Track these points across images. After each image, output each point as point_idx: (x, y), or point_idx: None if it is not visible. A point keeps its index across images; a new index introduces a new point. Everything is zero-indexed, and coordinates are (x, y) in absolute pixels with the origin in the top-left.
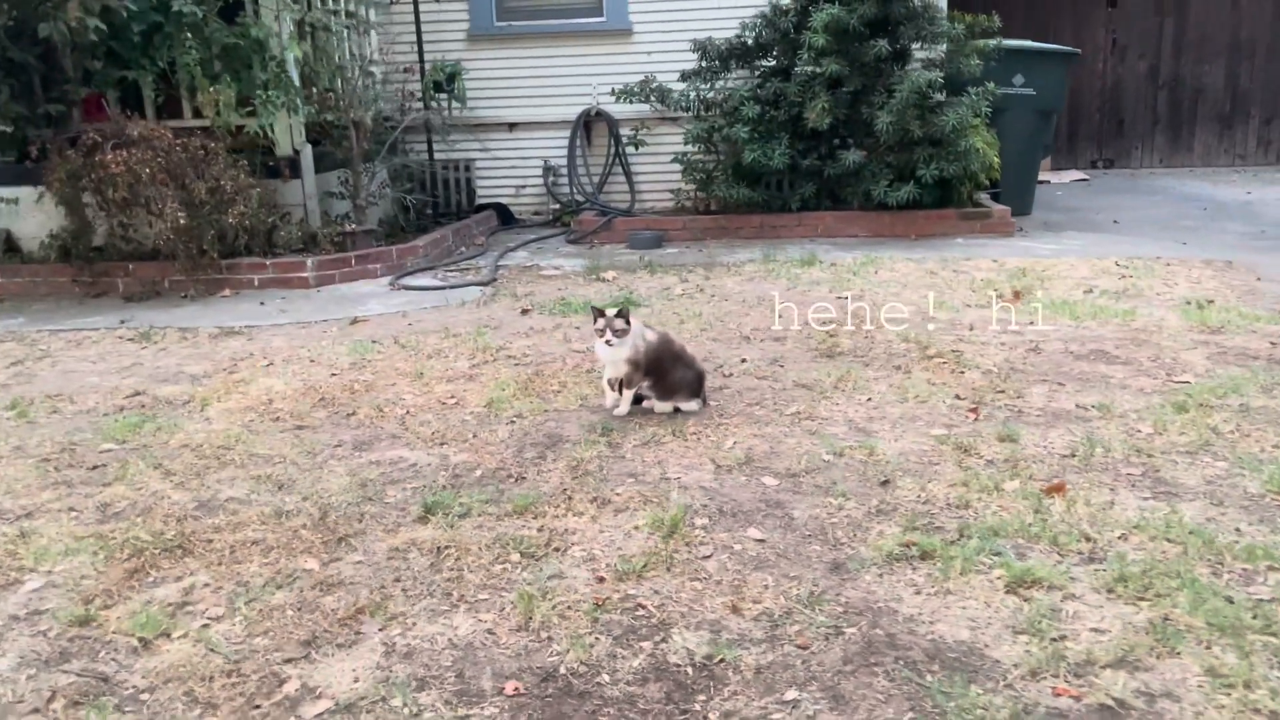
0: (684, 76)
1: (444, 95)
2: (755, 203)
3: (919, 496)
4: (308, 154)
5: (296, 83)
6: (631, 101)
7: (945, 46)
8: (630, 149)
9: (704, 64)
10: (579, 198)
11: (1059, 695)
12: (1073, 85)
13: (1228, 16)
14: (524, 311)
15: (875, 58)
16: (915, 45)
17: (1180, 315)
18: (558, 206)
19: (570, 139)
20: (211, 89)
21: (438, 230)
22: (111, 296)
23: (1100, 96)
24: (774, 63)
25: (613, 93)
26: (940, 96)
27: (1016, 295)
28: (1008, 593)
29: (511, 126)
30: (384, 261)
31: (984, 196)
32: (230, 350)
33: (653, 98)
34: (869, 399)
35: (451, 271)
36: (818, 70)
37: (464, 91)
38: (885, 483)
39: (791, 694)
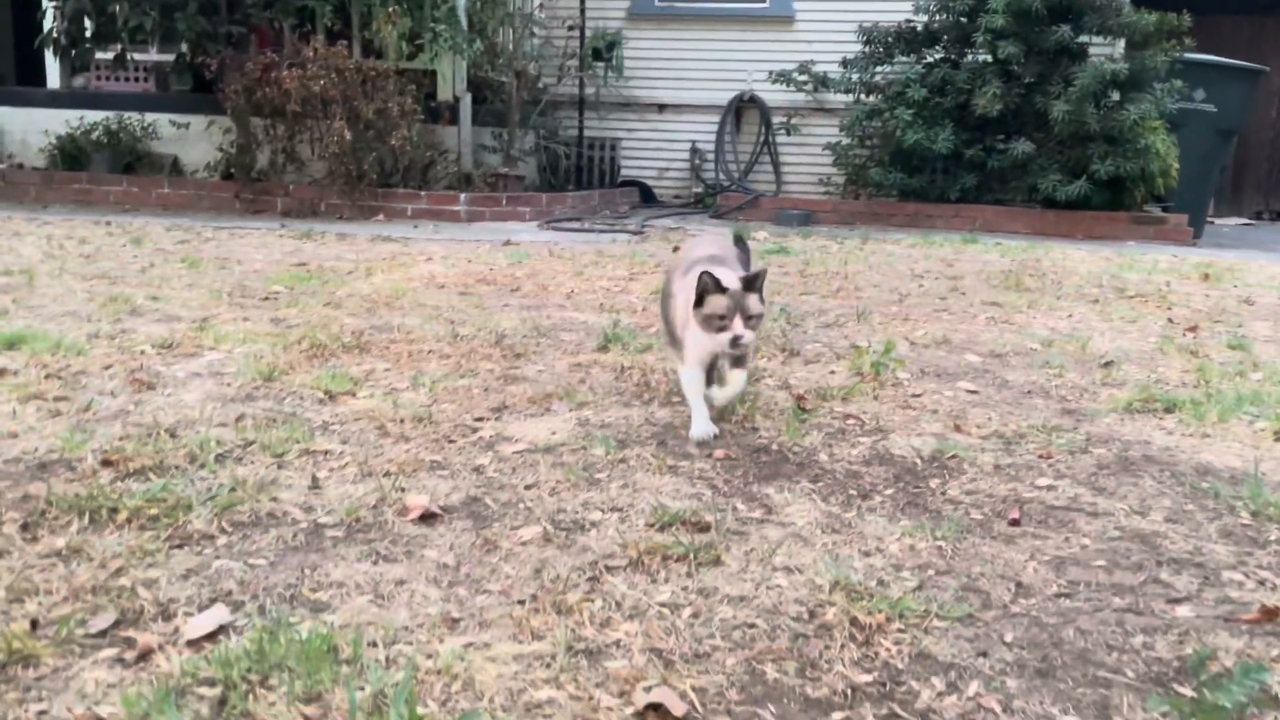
0: (845, 63)
1: (601, 64)
2: (910, 189)
3: (1149, 377)
4: (467, 101)
5: (464, 25)
6: (789, 85)
7: (1124, 44)
8: (781, 135)
9: (868, 49)
10: (724, 181)
11: None
12: (1242, 133)
13: None
14: (675, 249)
15: (1055, 44)
16: (1096, 38)
17: None
18: (700, 190)
19: (720, 123)
20: (386, 16)
21: (586, 191)
22: (269, 214)
23: (1271, 146)
24: (942, 52)
25: (769, 77)
26: (1117, 96)
27: (1206, 278)
28: (1276, 441)
29: (661, 108)
30: (534, 206)
31: (1155, 208)
32: (389, 249)
33: (810, 83)
34: (1069, 315)
35: (598, 224)
36: (990, 59)
37: (621, 62)
38: (1108, 364)
39: (1044, 481)
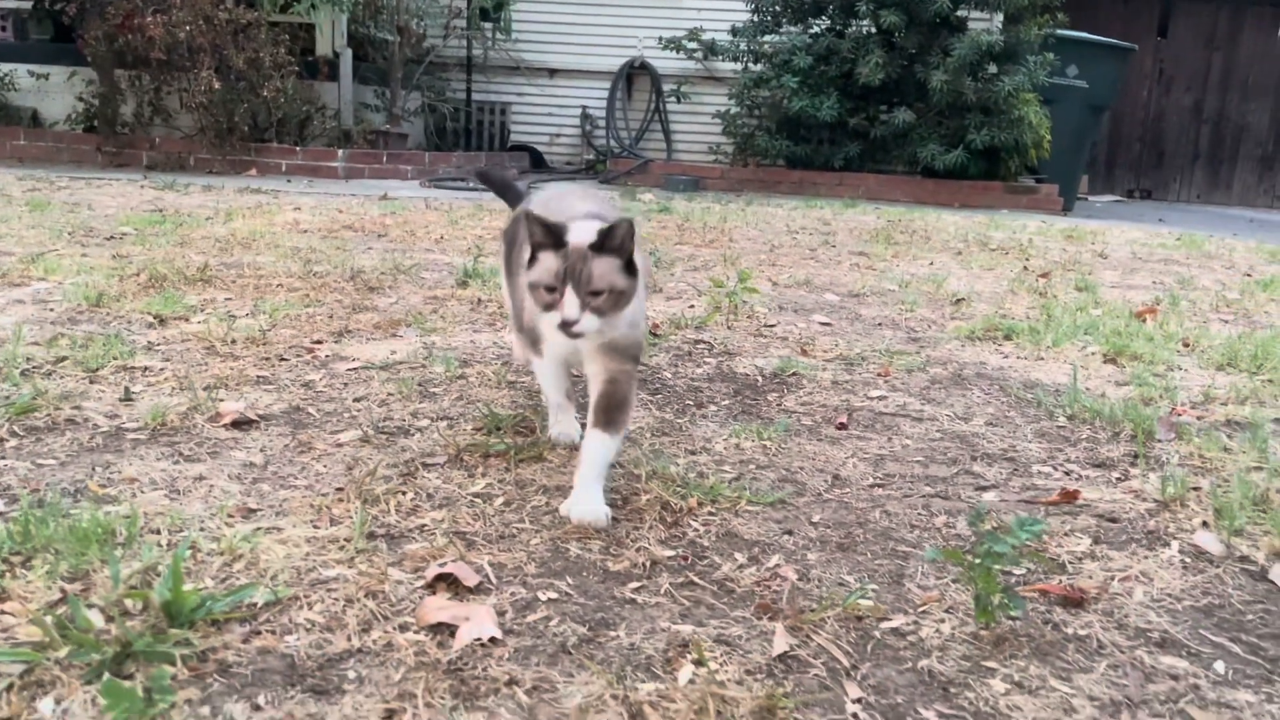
0: (734, 31)
1: (489, 25)
2: (796, 157)
3: (995, 312)
4: (347, 57)
5: None
6: (679, 52)
7: (1002, 18)
8: (672, 102)
9: (756, 17)
10: (615, 148)
11: (1178, 414)
12: (1114, 113)
13: (1278, 56)
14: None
15: (935, 15)
16: (975, 11)
17: (1243, 248)
18: (591, 156)
19: (611, 89)
20: None
21: (473, 153)
22: (134, 168)
23: (1143, 126)
24: (828, 21)
25: (659, 41)
26: (994, 69)
27: (1068, 238)
28: (1106, 362)
29: (552, 73)
30: (416, 164)
31: (1028, 179)
32: (256, 200)
33: (700, 50)
34: (931, 263)
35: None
36: (873, 29)
37: (509, 23)
38: (959, 301)
39: (877, 393)
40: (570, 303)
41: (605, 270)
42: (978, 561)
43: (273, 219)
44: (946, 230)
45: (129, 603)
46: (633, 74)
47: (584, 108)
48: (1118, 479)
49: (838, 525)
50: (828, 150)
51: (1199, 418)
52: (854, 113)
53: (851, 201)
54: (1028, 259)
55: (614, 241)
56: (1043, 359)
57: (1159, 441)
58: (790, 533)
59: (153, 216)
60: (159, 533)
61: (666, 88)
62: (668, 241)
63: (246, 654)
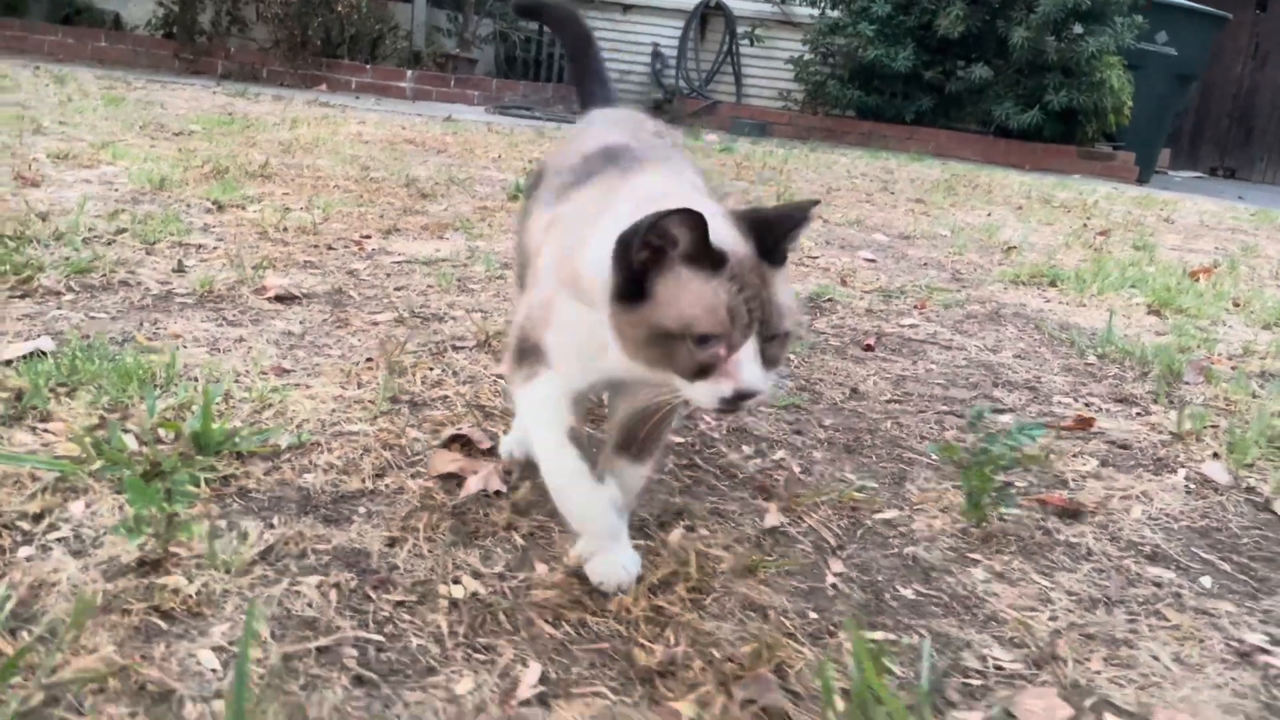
0: None
1: None
2: (866, 108)
3: (1046, 260)
4: None
5: None
6: None
7: None
8: (745, 45)
9: None
10: (684, 88)
11: (1212, 362)
12: (1202, 86)
13: None
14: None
15: None
16: None
17: None
18: (660, 96)
19: (684, 28)
20: None
21: (540, 83)
22: (209, 75)
23: (1232, 101)
24: None
25: None
26: (1079, 28)
27: (1137, 203)
28: (1149, 313)
29: (625, 8)
30: (483, 90)
31: (1105, 146)
32: (323, 112)
33: None
34: (989, 214)
35: (548, 115)
36: None
37: None
38: (1009, 249)
39: (909, 321)
40: (751, 361)
41: (788, 294)
42: (972, 459)
43: (336, 129)
44: (1010, 187)
45: (162, 431)
46: (707, 14)
47: (655, 45)
48: (1137, 414)
49: (847, 430)
50: (899, 103)
51: (1233, 367)
52: (929, 65)
53: (919, 155)
54: (1089, 218)
55: (792, 241)
56: (1084, 305)
57: (1186, 384)
58: (800, 433)
59: (221, 118)
60: (196, 380)
61: (740, 29)
62: (723, 177)
63: (266, 484)
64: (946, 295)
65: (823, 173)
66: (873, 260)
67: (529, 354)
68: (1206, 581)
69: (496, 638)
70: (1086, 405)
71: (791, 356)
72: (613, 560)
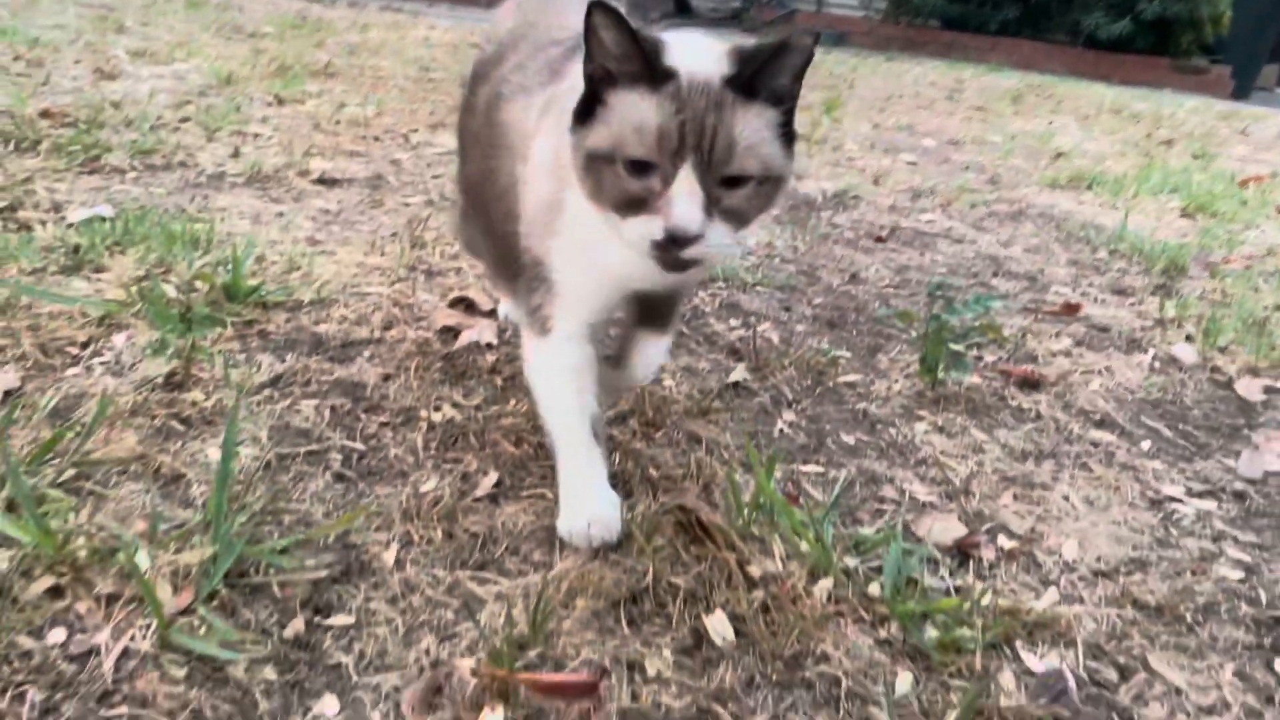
0: None
1: None
2: (950, 17)
3: (1093, 166)
4: None
5: None
6: None
7: None
8: None
9: None
10: None
11: (1227, 262)
12: None
13: None
14: None
15: None
16: None
17: None
18: (738, 4)
19: None
20: None
21: None
22: None
23: None
24: None
25: None
26: None
27: (1220, 116)
28: (1183, 216)
29: None
30: None
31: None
32: (395, 18)
33: None
34: (1050, 122)
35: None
36: None
37: None
38: (1059, 156)
39: (928, 218)
40: (685, 195)
41: (756, 131)
42: (928, 326)
43: (405, 33)
44: (1085, 98)
45: (197, 283)
46: None
47: None
48: (1130, 304)
49: (834, 309)
50: (985, 12)
51: (1246, 266)
52: None
53: (998, 67)
54: (1157, 128)
55: (774, 74)
56: (1116, 208)
57: (1190, 278)
58: (788, 309)
59: (294, 20)
60: (236, 246)
61: None
62: None
63: (284, 330)
64: (975, 196)
65: (889, 80)
66: (913, 163)
67: (535, 281)
68: (1145, 445)
69: (464, 452)
70: (1083, 295)
71: (796, 242)
72: (590, 509)
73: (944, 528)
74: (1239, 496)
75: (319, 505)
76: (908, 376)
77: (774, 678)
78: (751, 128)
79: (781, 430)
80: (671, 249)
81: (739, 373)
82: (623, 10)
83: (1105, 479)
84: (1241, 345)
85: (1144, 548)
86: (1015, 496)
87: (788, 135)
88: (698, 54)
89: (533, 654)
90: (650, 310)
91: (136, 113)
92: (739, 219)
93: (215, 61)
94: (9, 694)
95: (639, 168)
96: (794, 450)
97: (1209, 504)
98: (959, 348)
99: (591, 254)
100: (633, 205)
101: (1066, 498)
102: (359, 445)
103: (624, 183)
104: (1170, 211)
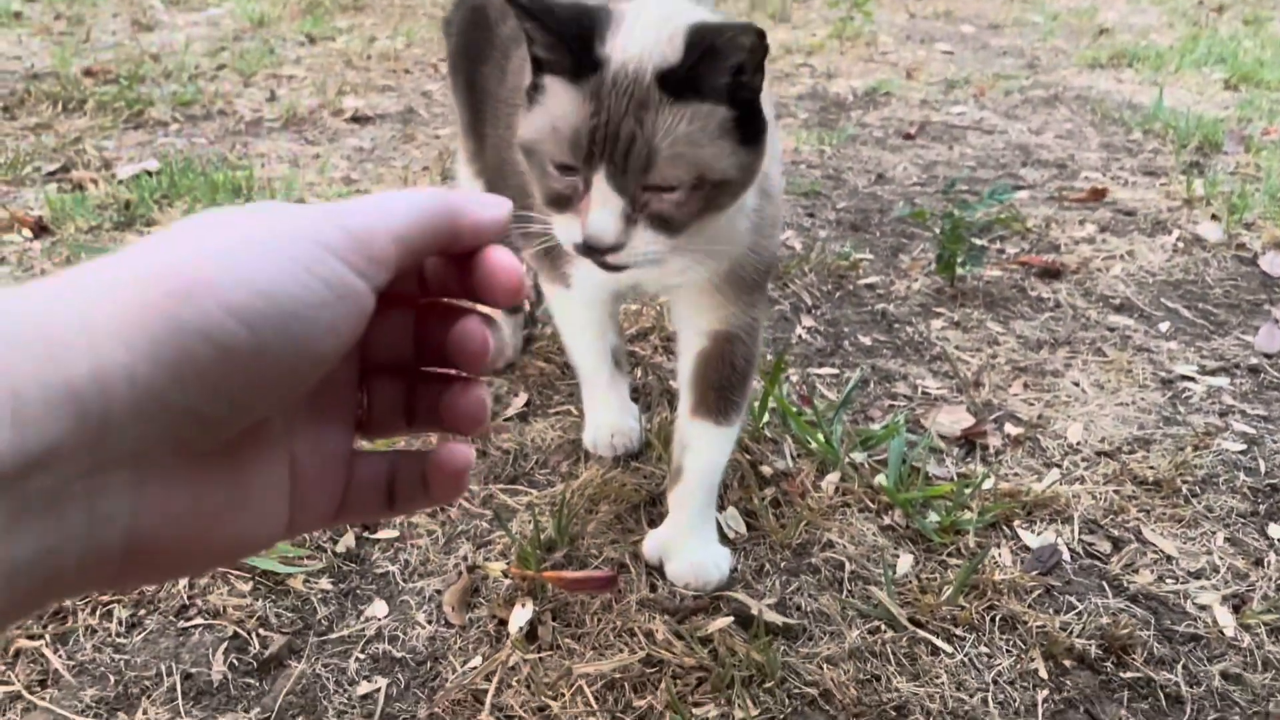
0: None
1: None
2: None
3: (1137, 41)
4: None
5: None
6: None
7: None
8: None
9: None
10: None
11: (1266, 134)
12: None
13: None
14: None
15: None
16: None
17: None
18: None
19: None
20: None
21: None
22: None
23: None
24: None
25: None
26: None
27: None
28: (1226, 89)
29: None
30: None
31: None
32: None
33: None
34: None
35: None
36: None
37: None
38: (1103, 32)
39: (960, 109)
40: (598, 204)
41: (687, 136)
42: (943, 221)
43: None
44: None
45: None
46: None
47: None
48: (1161, 184)
49: (859, 211)
50: None
51: None
52: None
53: None
54: None
55: (716, 67)
56: (1156, 84)
57: (1224, 154)
58: (812, 215)
59: None
60: (276, 192)
61: None
62: None
63: None
64: (1010, 82)
65: None
66: (949, 52)
67: (560, 255)
68: (1163, 327)
69: (497, 375)
70: (1113, 179)
71: (823, 145)
72: (611, 421)
73: (952, 419)
74: (1253, 371)
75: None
76: (928, 275)
77: (782, 565)
78: (681, 133)
79: (800, 336)
80: (593, 256)
81: None
82: None
83: (1118, 362)
84: (1268, 219)
85: (1149, 426)
86: (1026, 385)
87: (749, 130)
88: (649, 31)
89: (559, 555)
90: (708, 386)
91: (175, 63)
92: (670, 227)
93: (247, 4)
94: (98, 612)
95: (562, 167)
96: (811, 354)
97: (1221, 380)
98: (980, 242)
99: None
100: (559, 203)
101: (1077, 383)
102: None
103: (550, 180)
104: (1213, 85)
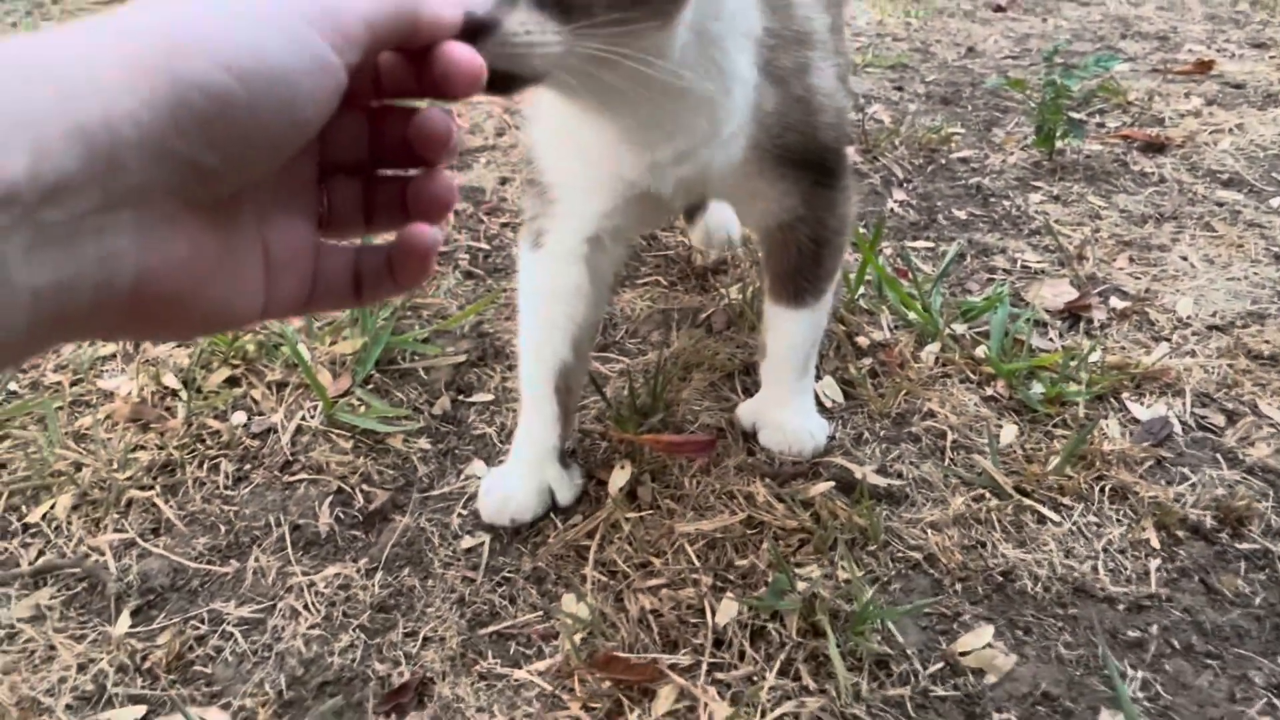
0: None
1: None
2: None
3: None
4: None
5: None
6: None
7: None
8: None
9: None
10: None
11: None
12: None
13: None
14: None
15: None
16: None
17: None
18: None
19: None
20: None
21: None
22: None
23: None
24: None
25: None
26: None
27: None
28: None
29: None
30: None
31: None
32: None
33: None
34: None
35: None
36: None
37: None
38: None
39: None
40: None
41: None
42: (1042, 91)
43: None
44: None
45: None
46: None
47: None
48: (1271, 58)
49: (949, 84)
50: None
51: None
52: None
53: None
54: None
55: None
56: None
57: None
58: (900, 89)
59: None
60: None
61: None
62: None
63: None
64: None
65: None
66: None
67: (529, 185)
68: (1275, 201)
69: None
70: (1219, 51)
71: (909, 18)
72: (512, 484)
73: (1055, 292)
74: None
75: (452, 300)
76: (1024, 148)
77: (881, 433)
78: None
79: (891, 209)
80: (475, 38)
81: (849, 155)
82: None
83: (1228, 237)
84: None
85: (1264, 301)
86: (1131, 260)
87: None
88: None
89: (655, 420)
90: (787, 269)
91: None
92: (564, 8)
93: None
94: (205, 466)
95: None
96: (904, 228)
97: None
98: (1080, 115)
99: (574, 141)
100: None
101: (1185, 258)
102: (483, 245)
103: None
104: None
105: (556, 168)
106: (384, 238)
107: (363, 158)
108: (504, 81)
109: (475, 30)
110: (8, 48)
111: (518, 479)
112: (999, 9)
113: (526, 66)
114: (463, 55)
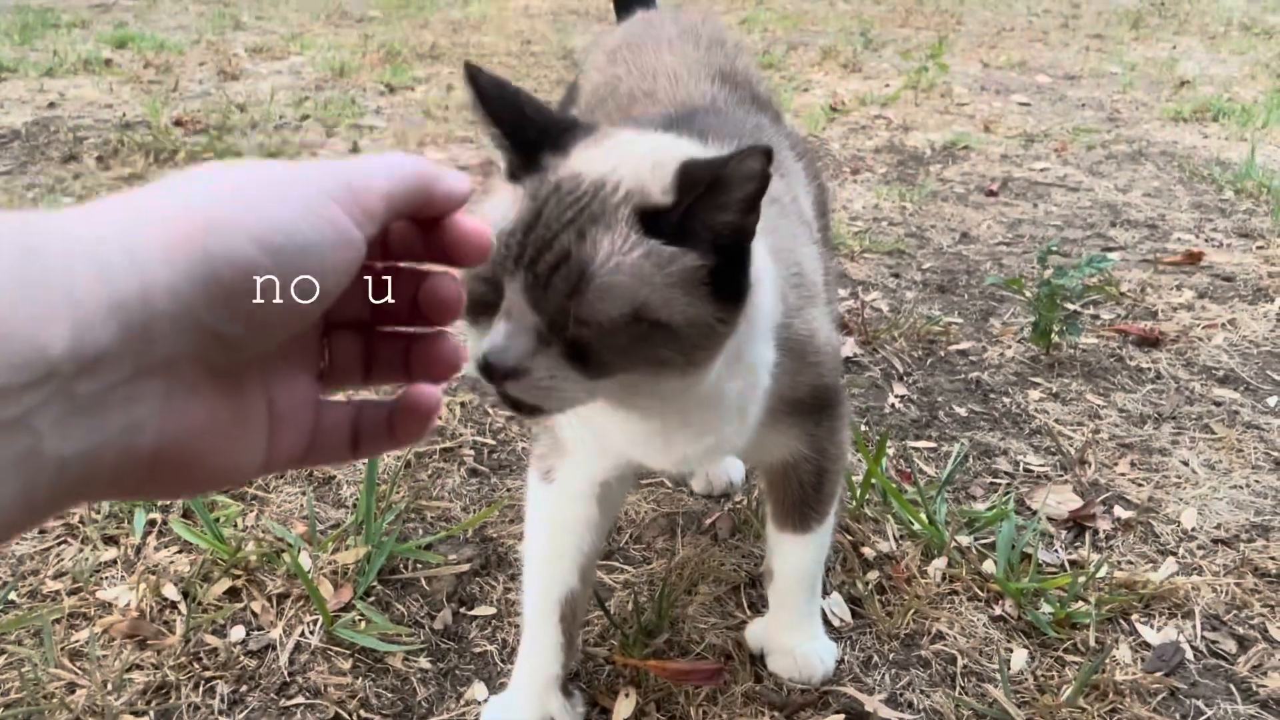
0: None
1: None
2: None
3: (1220, 94)
4: None
5: None
6: None
7: None
8: None
9: None
10: None
11: None
12: None
13: None
14: None
15: None
16: None
17: None
18: None
19: None
20: None
21: None
22: None
23: None
24: None
25: None
26: None
27: None
28: None
29: None
30: None
31: None
32: None
33: None
34: (1174, 46)
35: None
36: None
37: None
38: (1183, 84)
39: (1041, 165)
40: (508, 319)
41: (637, 271)
42: (1039, 290)
43: (506, 3)
44: (1210, 13)
45: None
46: None
47: None
48: (1258, 248)
49: (945, 272)
50: None
51: None
52: None
53: None
54: None
55: (709, 205)
56: (1244, 140)
57: None
58: (897, 275)
59: (400, 1)
60: None
61: None
62: (888, 25)
63: None
64: (1091, 136)
65: (1000, 12)
66: (1026, 104)
67: (547, 435)
68: (1272, 401)
69: None
70: (1207, 240)
71: (904, 201)
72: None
73: (1058, 500)
74: None
75: (457, 501)
76: (1021, 341)
77: (891, 657)
78: (632, 266)
79: (893, 405)
80: (493, 380)
81: (849, 347)
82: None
83: (1228, 440)
84: None
85: (1266, 513)
86: (1133, 464)
87: (729, 284)
88: (630, 155)
89: (660, 640)
90: (785, 494)
91: (260, 113)
92: (595, 365)
93: (327, 53)
94: (201, 688)
95: (482, 280)
96: (906, 425)
97: None
98: (1074, 307)
99: (597, 428)
100: (474, 311)
101: (1186, 463)
102: (489, 440)
103: (473, 281)
104: None
105: (575, 431)
106: (382, 391)
107: (365, 315)
108: (531, 409)
109: (506, 374)
110: (51, 223)
111: (519, 711)
112: (991, 193)
113: (551, 405)
114: (474, 226)
